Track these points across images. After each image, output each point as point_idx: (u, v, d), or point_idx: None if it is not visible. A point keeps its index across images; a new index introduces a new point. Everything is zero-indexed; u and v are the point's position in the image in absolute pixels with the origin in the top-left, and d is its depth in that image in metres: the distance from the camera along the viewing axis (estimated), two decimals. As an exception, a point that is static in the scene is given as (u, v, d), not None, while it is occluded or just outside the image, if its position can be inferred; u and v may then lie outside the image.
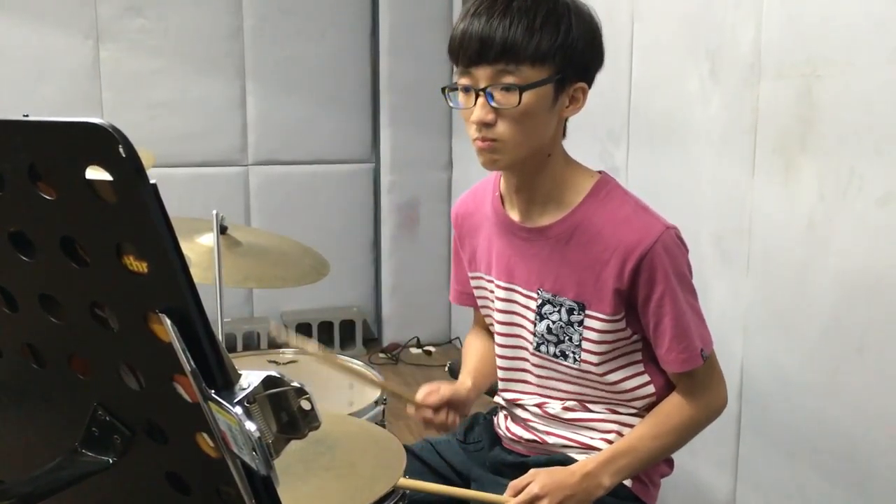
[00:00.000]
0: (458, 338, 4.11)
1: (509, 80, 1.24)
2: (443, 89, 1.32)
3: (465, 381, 1.52)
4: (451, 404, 1.44)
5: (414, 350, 4.13)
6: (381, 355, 4.07)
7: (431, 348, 4.13)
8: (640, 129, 2.43)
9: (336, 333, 4.04)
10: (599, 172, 1.40)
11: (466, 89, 1.28)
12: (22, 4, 3.54)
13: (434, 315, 4.17)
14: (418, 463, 1.53)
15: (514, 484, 1.31)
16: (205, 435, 0.54)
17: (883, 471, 1.65)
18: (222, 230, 1.93)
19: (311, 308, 4.04)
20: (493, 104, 1.25)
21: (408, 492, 1.37)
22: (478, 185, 1.53)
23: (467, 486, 1.50)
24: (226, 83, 3.85)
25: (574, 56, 1.26)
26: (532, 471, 1.33)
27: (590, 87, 1.33)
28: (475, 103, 1.26)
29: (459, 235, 1.55)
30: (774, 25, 1.88)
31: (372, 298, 4.26)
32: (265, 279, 2.10)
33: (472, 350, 1.62)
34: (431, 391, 1.44)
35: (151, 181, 0.48)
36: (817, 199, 1.77)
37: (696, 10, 2.13)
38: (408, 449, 1.56)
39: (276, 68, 3.90)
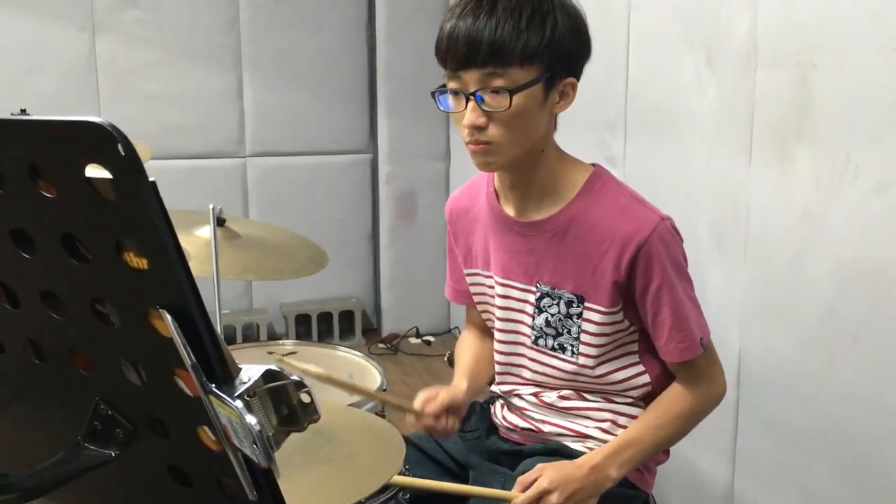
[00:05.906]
0: (457, 327, 4.12)
1: (499, 82, 1.23)
2: (432, 93, 1.31)
3: (461, 383, 1.50)
4: (449, 409, 1.42)
5: (413, 340, 4.14)
6: (381, 345, 4.08)
7: (431, 338, 4.14)
8: (637, 118, 2.43)
9: (335, 324, 4.05)
10: (593, 165, 1.40)
11: (456, 93, 1.27)
12: (17, -3, 3.53)
13: (433, 305, 4.17)
14: (417, 452, 1.53)
15: (522, 479, 1.32)
16: (206, 428, 0.55)
17: (877, 457, 1.67)
18: (220, 222, 1.93)
19: (310, 299, 4.05)
20: (484, 107, 1.25)
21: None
22: (471, 182, 1.53)
23: (465, 475, 1.51)
24: (222, 74, 3.84)
25: (561, 53, 1.26)
26: (539, 465, 1.33)
27: (578, 79, 1.32)
28: (466, 107, 1.26)
29: (454, 232, 1.55)
30: (770, 14, 1.88)
31: (371, 289, 4.27)
32: (264, 271, 2.10)
33: (466, 349, 1.61)
34: (429, 398, 1.42)
35: (150, 178, 0.48)
36: (813, 187, 1.77)
37: (693, -1, 2.13)
38: (406, 439, 1.57)
39: (272, 59, 3.89)
